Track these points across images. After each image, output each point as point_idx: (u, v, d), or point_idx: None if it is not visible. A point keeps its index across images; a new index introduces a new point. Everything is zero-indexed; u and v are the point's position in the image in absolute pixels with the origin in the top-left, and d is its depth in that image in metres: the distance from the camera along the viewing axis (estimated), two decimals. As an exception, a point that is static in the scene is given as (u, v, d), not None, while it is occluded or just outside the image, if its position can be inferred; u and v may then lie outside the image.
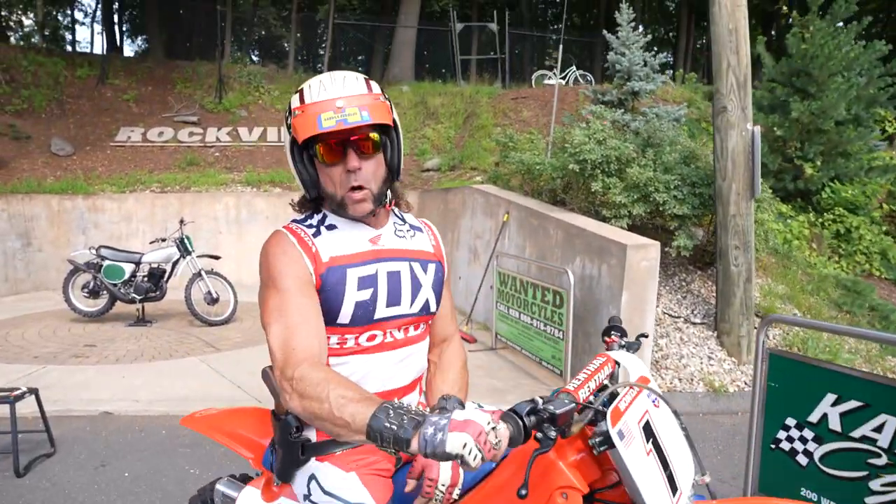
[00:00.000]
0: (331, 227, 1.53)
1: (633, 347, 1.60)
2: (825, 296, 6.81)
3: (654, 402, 1.37)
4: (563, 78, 14.67)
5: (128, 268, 6.98)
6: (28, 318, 7.27)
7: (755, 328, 5.76)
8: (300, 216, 1.58)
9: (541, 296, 5.47)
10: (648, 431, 1.30)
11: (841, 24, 9.38)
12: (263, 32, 25.80)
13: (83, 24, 28.53)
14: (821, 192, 9.00)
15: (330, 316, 1.44)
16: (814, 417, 2.90)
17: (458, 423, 1.07)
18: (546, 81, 15.00)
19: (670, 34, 26.60)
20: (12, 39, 22.65)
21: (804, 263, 7.73)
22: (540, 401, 1.15)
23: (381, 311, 1.49)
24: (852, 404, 2.76)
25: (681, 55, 19.53)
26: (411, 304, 1.55)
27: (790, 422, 3.01)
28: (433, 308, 1.61)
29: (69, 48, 21.54)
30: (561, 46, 9.98)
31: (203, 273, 7.00)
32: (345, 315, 1.45)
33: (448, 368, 1.69)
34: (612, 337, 1.66)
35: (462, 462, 1.04)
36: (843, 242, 8.58)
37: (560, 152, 7.16)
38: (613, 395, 1.31)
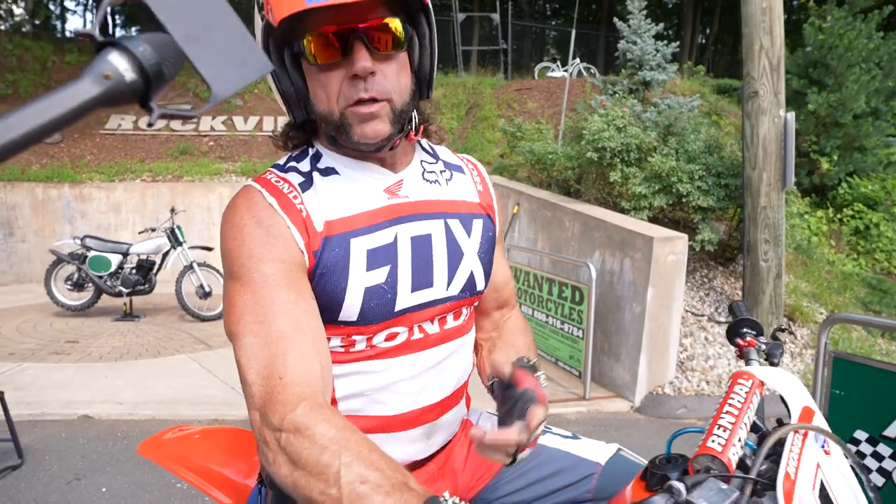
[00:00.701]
0: (328, 172, 1.02)
1: (775, 354, 1.18)
2: (852, 294, 6.48)
3: (822, 446, 0.96)
4: (567, 70, 14.34)
5: (115, 259, 6.57)
6: (7, 312, 6.85)
7: (787, 329, 5.41)
8: (283, 159, 1.07)
9: (557, 292, 5.10)
10: (825, 498, 0.87)
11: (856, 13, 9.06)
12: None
13: (74, 12, 27.98)
14: (837, 187, 8.68)
15: (328, 313, 0.98)
16: (891, 432, 2.54)
17: None
18: (550, 74, 14.68)
19: (669, 31, 26.30)
20: (1, 27, 22.09)
21: (824, 261, 7.40)
22: (681, 489, 0.73)
23: (405, 298, 1.02)
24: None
25: (686, 50, 19.19)
26: (448, 284, 1.06)
27: (860, 435, 2.65)
28: (480, 285, 1.12)
29: (59, 36, 21.02)
30: (573, 37, 9.63)
31: (195, 265, 6.59)
32: (350, 310, 0.98)
33: (513, 336, 1.21)
34: (749, 339, 1.23)
35: None
36: (861, 239, 8.26)
37: (574, 141, 6.80)
38: (775, 442, 0.88)
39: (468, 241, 1.10)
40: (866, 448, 2.63)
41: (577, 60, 15.14)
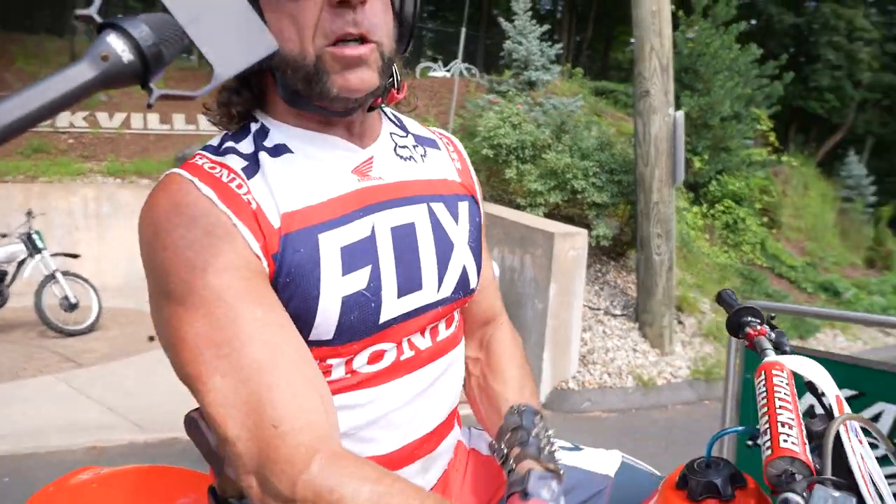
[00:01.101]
0: (278, 151, 0.81)
1: (784, 342, 1.09)
2: (729, 284, 6.91)
3: (856, 434, 0.89)
4: (448, 70, 14.44)
5: (-44, 270, 5.74)
6: None
7: (676, 319, 5.65)
8: (215, 139, 0.83)
9: (461, 291, 5.01)
10: (878, 495, 0.81)
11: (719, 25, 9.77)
12: (122, 7, 23.43)
13: None
14: (708, 184, 9.29)
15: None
16: (801, 408, 2.66)
17: None
18: (431, 73, 14.73)
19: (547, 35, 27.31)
20: None
21: (701, 253, 7.87)
22: (799, 501, 0.64)
23: (391, 306, 0.82)
24: (844, 393, 2.49)
25: (562, 53, 19.98)
26: (440, 284, 0.88)
27: (772, 417, 2.75)
28: (473, 282, 0.94)
29: None
30: (463, 35, 9.69)
31: (58, 274, 5.89)
32: (323, 327, 0.78)
33: (505, 363, 1.03)
34: (760, 327, 1.13)
35: None
36: (731, 233, 8.88)
37: (466, 139, 6.78)
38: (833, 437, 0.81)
39: (456, 228, 0.91)
40: (778, 430, 2.73)
41: (458, 60, 15.32)
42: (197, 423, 0.82)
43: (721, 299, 1.23)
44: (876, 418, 2.39)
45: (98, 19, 0.47)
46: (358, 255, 0.80)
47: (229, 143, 0.81)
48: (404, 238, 0.85)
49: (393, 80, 0.86)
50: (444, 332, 0.92)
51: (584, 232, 4.81)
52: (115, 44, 0.46)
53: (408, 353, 0.86)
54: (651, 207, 5.24)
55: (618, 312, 5.66)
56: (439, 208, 0.90)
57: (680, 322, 5.78)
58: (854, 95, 18.79)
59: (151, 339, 5.23)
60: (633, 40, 5.51)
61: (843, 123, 19.85)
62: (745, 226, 8.82)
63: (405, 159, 0.90)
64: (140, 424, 3.73)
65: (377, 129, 0.90)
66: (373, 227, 0.82)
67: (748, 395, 2.81)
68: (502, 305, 1.13)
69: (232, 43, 0.54)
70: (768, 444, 0.76)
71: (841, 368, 2.52)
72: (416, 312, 0.86)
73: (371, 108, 0.85)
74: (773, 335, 1.07)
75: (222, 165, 0.78)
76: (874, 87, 19.43)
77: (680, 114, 5.13)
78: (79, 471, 1.12)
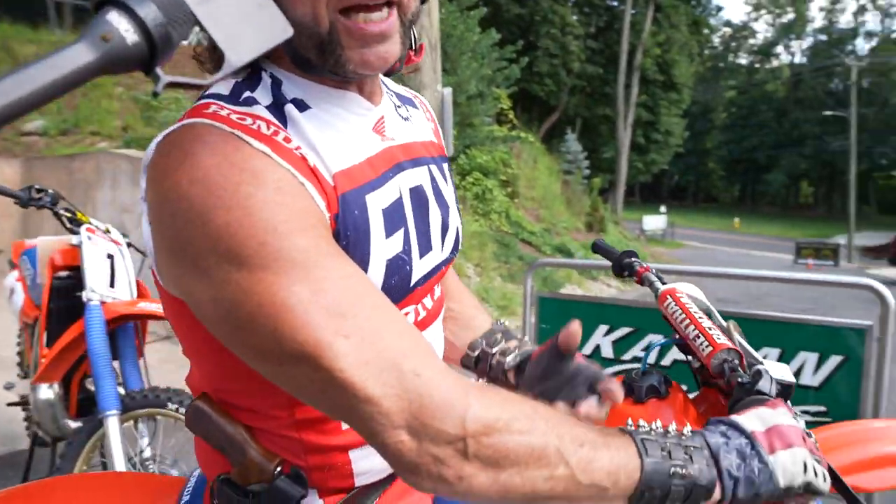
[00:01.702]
0: (301, 106, 0.72)
1: (661, 276, 1.27)
2: (489, 250, 7.56)
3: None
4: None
5: None
6: None
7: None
8: (223, 86, 0.71)
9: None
10: None
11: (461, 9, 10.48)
12: None
13: None
14: (457, 158, 10.00)
15: None
16: (587, 349, 3.04)
17: (768, 435, 0.68)
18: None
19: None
20: None
21: (457, 223, 8.49)
22: (766, 373, 0.83)
23: (418, 266, 0.81)
24: (623, 331, 2.96)
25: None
26: (443, 244, 0.88)
27: (563, 359, 3.12)
28: (460, 241, 0.97)
29: None
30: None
31: None
32: None
33: (460, 292, 1.10)
34: (645, 265, 1.30)
35: (810, 491, 0.67)
36: (481, 203, 9.69)
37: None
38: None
39: (447, 189, 0.91)
40: (568, 369, 3.12)
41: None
42: (205, 412, 0.74)
43: (599, 248, 1.41)
44: (647, 348, 2.87)
45: None
46: (395, 217, 0.78)
47: (246, 93, 0.70)
48: (419, 199, 0.84)
49: (411, 42, 0.80)
50: (437, 292, 0.93)
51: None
52: (118, 22, 0.41)
53: (422, 314, 0.86)
54: (425, 179, 5.49)
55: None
56: (435, 170, 0.89)
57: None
58: (567, 82, 21.71)
59: None
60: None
61: (559, 105, 22.78)
62: (492, 196, 9.69)
63: (405, 119, 0.88)
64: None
65: (380, 88, 0.85)
66: (398, 189, 0.80)
67: (543, 342, 3.17)
68: None
69: (245, 27, 0.50)
70: (705, 343, 0.95)
71: (620, 310, 2.98)
72: (431, 273, 0.86)
73: (388, 73, 0.79)
74: (654, 271, 1.27)
75: (254, 117, 0.67)
76: (581, 75, 22.66)
77: (448, 90, 5.42)
78: None
